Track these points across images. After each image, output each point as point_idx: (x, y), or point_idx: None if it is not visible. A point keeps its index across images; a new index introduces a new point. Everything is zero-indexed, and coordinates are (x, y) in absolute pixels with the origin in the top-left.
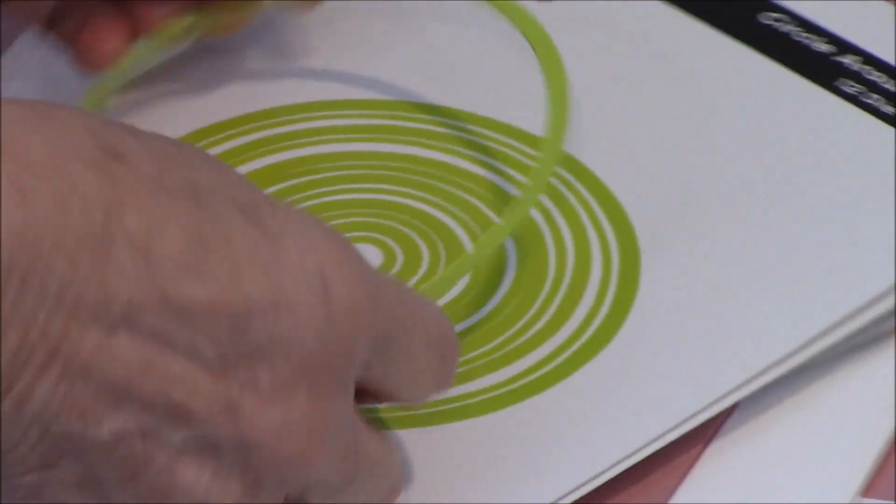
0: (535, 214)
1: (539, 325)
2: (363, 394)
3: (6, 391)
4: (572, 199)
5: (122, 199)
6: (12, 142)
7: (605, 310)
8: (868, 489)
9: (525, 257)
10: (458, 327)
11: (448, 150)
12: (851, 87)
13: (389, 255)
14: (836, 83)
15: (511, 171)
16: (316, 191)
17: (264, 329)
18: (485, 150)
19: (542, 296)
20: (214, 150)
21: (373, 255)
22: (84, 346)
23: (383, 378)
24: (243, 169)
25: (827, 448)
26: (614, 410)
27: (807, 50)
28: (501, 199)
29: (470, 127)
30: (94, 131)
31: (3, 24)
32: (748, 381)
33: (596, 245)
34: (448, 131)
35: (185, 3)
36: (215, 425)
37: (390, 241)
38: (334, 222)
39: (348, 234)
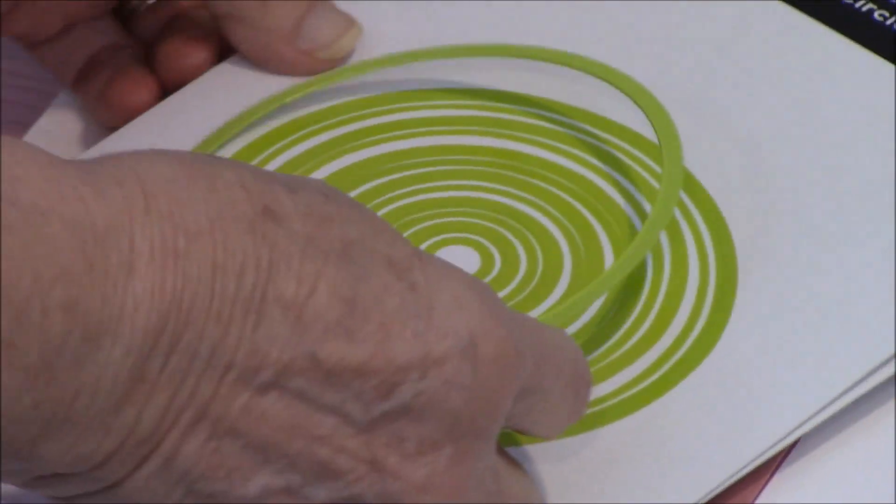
0: (636, 221)
1: (635, 339)
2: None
3: (153, 450)
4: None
5: (275, 262)
6: (170, 202)
7: (701, 322)
8: None
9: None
10: None
11: (551, 148)
12: None
13: (487, 259)
14: None
15: (615, 174)
16: (409, 188)
17: (411, 388)
18: (591, 149)
19: (639, 307)
20: (309, 143)
21: (470, 257)
22: (233, 408)
23: (521, 419)
24: (333, 165)
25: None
26: (715, 426)
27: None
28: (602, 202)
29: (576, 124)
30: (251, 189)
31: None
32: (849, 389)
33: (693, 254)
34: (552, 127)
35: (209, 53)
36: (360, 482)
37: (488, 244)
38: (429, 223)
39: (444, 236)
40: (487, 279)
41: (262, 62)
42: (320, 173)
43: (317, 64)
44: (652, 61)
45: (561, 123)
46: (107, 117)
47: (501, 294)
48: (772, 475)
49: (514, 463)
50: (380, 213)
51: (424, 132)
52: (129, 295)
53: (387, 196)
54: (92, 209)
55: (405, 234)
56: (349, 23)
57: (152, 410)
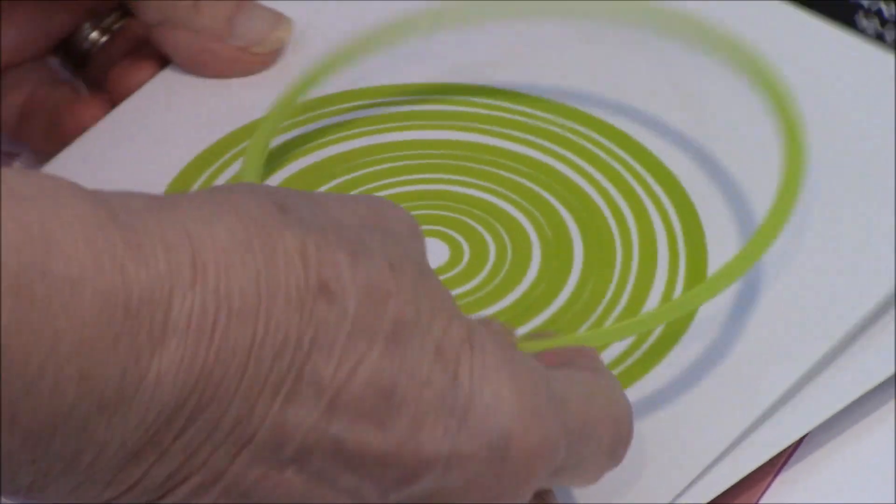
0: (606, 209)
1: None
2: None
3: (157, 500)
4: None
5: (318, 342)
6: (219, 274)
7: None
8: None
9: (590, 244)
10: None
11: (517, 140)
12: None
13: (456, 250)
14: None
15: (582, 163)
16: (380, 182)
17: (432, 482)
18: (555, 137)
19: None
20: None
21: (439, 249)
22: (247, 478)
23: (553, 484)
24: (307, 160)
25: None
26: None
27: None
28: (569, 190)
29: (540, 114)
30: (310, 261)
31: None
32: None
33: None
34: (515, 118)
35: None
36: None
37: (457, 235)
38: None
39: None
40: (456, 270)
41: (199, 65)
42: (295, 166)
43: (253, 59)
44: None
45: (524, 114)
46: (58, 144)
47: (469, 285)
48: (774, 476)
49: None
50: None
51: (395, 127)
52: (154, 368)
53: (357, 190)
54: (129, 280)
55: None
56: (279, 17)
57: (160, 470)
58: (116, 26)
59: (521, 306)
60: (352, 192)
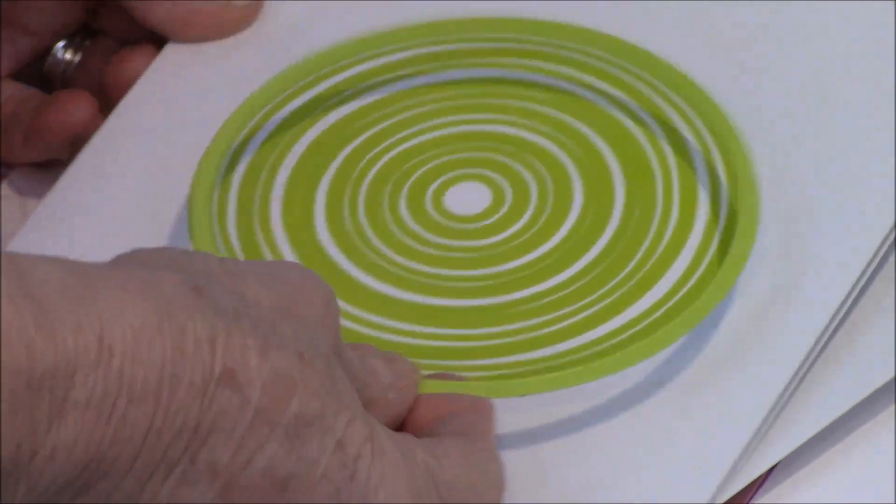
0: (644, 141)
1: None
2: None
3: None
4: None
5: (217, 429)
6: (124, 358)
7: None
8: None
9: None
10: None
11: (559, 74)
12: None
13: (497, 194)
14: None
15: (621, 95)
16: (416, 127)
17: None
18: (594, 71)
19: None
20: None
21: (480, 194)
22: None
23: None
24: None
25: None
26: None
27: None
28: (609, 124)
29: (580, 47)
30: (219, 350)
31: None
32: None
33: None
34: (553, 51)
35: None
36: None
37: (498, 177)
38: (440, 160)
39: (454, 172)
40: (500, 214)
41: (185, 30)
42: (333, 116)
43: (238, 13)
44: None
45: (563, 48)
46: (42, 149)
47: (514, 228)
48: (767, 475)
49: None
50: (386, 157)
51: (425, 69)
52: (49, 443)
53: (394, 138)
54: (35, 356)
55: (417, 175)
56: None
57: None
58: (87, 42)
59: (566, 246)
60: (373, 150)
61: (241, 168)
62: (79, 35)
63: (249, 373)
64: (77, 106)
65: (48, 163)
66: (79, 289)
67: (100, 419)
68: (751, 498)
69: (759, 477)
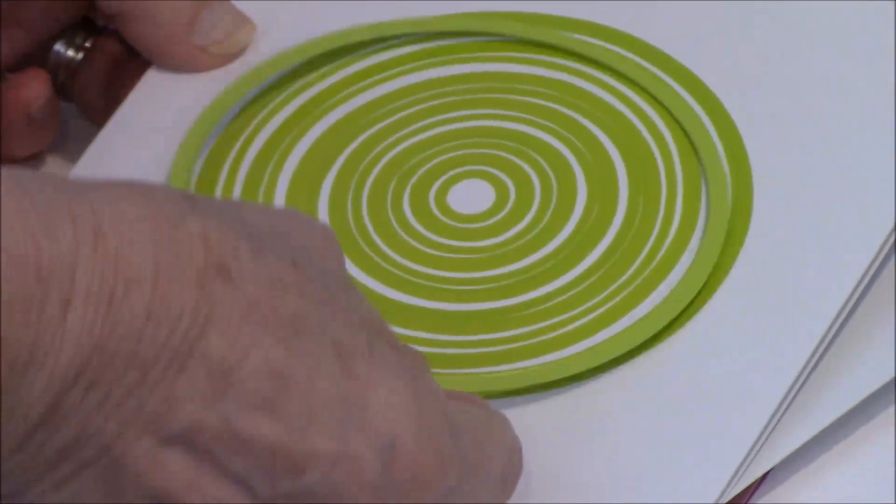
0: (646, 134)
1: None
2: None
3: (46, 474)
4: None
5: (213, 319)
6: (118, 244)
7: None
8: None
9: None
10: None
11: (560, 67)
12: None
13: (501, 192)
14: None
15: (624, 89)
16: (414, 125)
17: (319, 476)
18: (601, 66)
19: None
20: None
21: (484, 192)
22: (133, 454)
23: None
24: (357, 100)
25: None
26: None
27: None
28: (612, 117)
29: (579, 38)
30: (212, 243)
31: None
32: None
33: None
34: (564, 45)
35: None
36: None
37: (502, 176)
38: (443, 157)
39: (457, 169)
40: (503, 213)
41: (157, 59)
42: (325, 122)
43: (211, 60)
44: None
45: (552, 36)
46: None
47: (519, 227)
48: (765, 476)
49: None
50: (388, 155)
51: (420, 66)
52: (60, 332)
53: (396, 136)
54: (40, 246)
55: (420, 173)
56: (243, 19)
57: (58, 440)
58: (87, 43)
59: (572, 244)
60: (376, 148)
61: (245, 168)
62: (81, 31)
63: (242, 268)
64: (29, 85)
65: (34, 161)
66: (72, 187)
67: (100, 307)
68: (749, 498)
69: (758, 478)
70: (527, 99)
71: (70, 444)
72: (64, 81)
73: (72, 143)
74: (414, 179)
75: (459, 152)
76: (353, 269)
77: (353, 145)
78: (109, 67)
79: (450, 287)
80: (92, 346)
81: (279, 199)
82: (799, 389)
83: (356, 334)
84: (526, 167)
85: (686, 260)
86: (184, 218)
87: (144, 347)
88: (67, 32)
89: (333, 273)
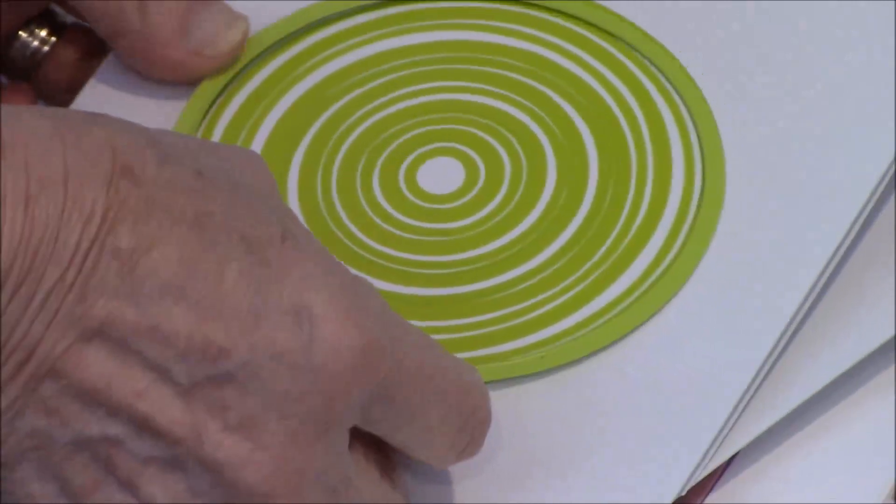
0: (618, 113)
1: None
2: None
3: None
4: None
5: (121, 217)
6: (27, 152)
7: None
8: None
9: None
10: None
11: (528, 37)
12: None
13: (471, 170)
14: None
15: (596, 64)
16: (390, 95)
17: (238, 358)
18: (570, 36)
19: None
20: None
21: (454, 170)
22: (56, 350)
23: (390, 431)
24: (328, 67)
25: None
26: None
27: None
28: (585, 95)
29: (551, 6)
30: (117, 149)
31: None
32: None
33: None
34: (526, 12)
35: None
36: (181, 444)
37: (472, 153)
38: (413, 132)
39: (427, 146)
40: (473, 193)
41: (156, 71)
42: (291, 96)
43: (206, 63)
44: None
45: (536, 7)
46: None
47: (488, 208)
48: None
49: (390, 478)
50: (358, 129)
51: (386, 34)
52: None
53: (366, 108)
54: None
55: (390, 149)
56: (234, 16)
57: None
58: (53, 37)
59: (541, 227)
60: (345, 122)
61: (218, 131)
62: (45, 25)
63: (147, 172)
64: (13, 99)
65: None
66: None
67: (17, 208)
68: (714, 483)
69: (720, 466)
70: (500, 72)
71: None
72: (28, 72)
73: None
74: (384, 157)
75: (431, 127)
76: None
77: (321, 120)
78: (76, 62)
79: (420, 271)
80: (14, 247)
81: None
82: (763, 379)
83: (268, 228)
84: (497, 145)
85: (654, 245)
86: (89, 127)
87: (60, 247)
88: (31, 24)
89: (248, 185)
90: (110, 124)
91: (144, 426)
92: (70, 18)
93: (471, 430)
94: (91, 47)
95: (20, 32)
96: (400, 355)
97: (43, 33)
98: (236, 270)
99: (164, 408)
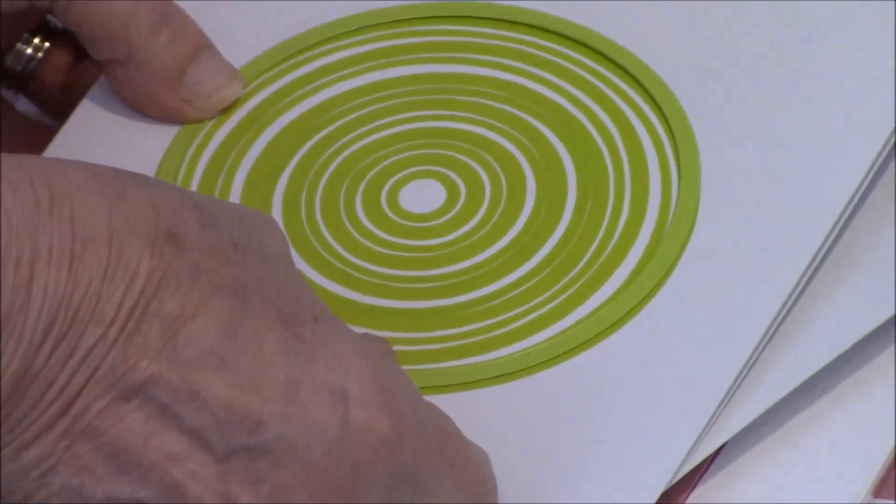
0: (594, 132)
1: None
2: None
3: (10, 439)
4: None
5: (166, 280)
6: (73, 208)
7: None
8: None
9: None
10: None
11: (510, 69)
12: None
13: (451, 191)
14: None
15: (578, 93)
16: (366, 127)
17: (274, 430)
18: (550, 66)
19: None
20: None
21: (434, 191)
22: (94, 408)
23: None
24: (312, 100)
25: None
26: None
27: None
28: (564, 122)
29: (525, 38)
30: (161, 211)
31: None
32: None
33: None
34: (503, 45)
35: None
36: None
37: (452, 175)
38: (396, 157)
39: (409, 169)
40: (453, 212)
41: (141, 105)
42: (277, 125)
43: (193, 112)
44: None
45: (510, 40)
46: None
47: (468, 226)
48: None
49: None
50: (341, 156)
51: (368, 68)
52: (28, 289)
53: (349, 137)
54: (8, 203)
55: (372, 173)
56: (232, 75)
57: (25, 402)
58: (46, 43)
59: (522, 241)
60: (329, 148)
61: (200, 169)
62: (40, 33)
63: (190, 237)
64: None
65: None
66: (23, 156)
67: (62, 265)
68: (701, 475)
69: (704, 462)
70: (477, 100)
71: (34, 404)
72: (23, 78)
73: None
74: (366, 180)
75: (411, 153)
76: (307, 269)
77: (306, 147)
78: (70, 67)
79: (402, 285)
80: (56, 305)
81: (234, 200)
82: (745, 375)
83: (300, 307)
84: (476, 167)
85: (632, 258)
86: (130, 186)
87: (103, 305)
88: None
89: (276, 258)
90: (152, 185)
91: (175, 492)
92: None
93: None
94: (83, 50)
95: (17, 44)
96: (427, 438)
97: (36, 40)
98: (274, 342)
99: (198, 475)
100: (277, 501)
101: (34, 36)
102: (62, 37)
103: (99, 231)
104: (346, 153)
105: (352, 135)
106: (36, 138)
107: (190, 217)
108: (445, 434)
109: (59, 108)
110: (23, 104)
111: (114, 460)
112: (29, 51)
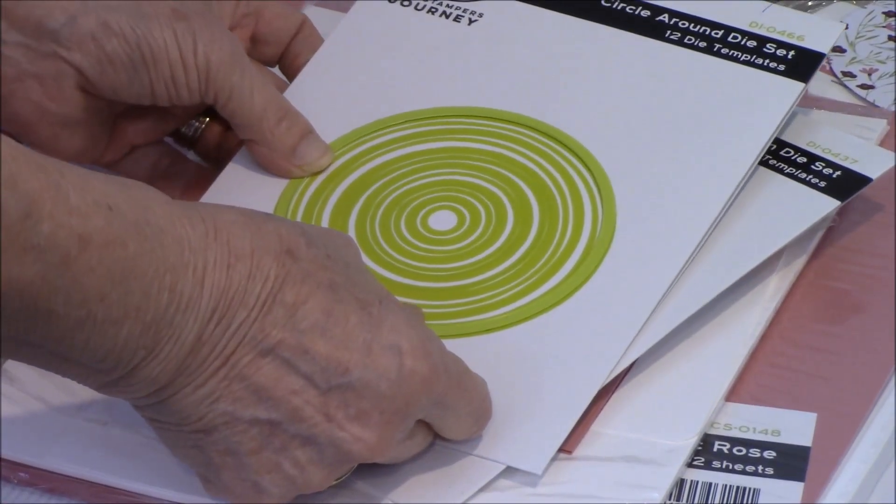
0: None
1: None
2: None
3: (192, 380)
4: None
5: (286, 280)
6: (229, 235)
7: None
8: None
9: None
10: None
11: (498, 144)
12: None
13: (461, 218)
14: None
15: (539, 159)
16: (413, 177)
17: (356, 373)
18: (518, 141)
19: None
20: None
21: (450, 217)
22: (243, 361)
23: (434, 421)
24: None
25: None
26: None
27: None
28: (528, 176)
29: (512, 127)
30: (283, 237)
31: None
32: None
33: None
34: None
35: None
36: (317, 427)
37: (461, 208)
38: (425, 196)
39: (434, 204)
40: (462, 230)
41: (265, 165)
42: (351, 178)
43: (298, 173)
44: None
45: (500, 127)
46: None
47: (470, 238)
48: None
49: (428, 436)
50: (393, 195)
51: (417, 141)
52: (202, 286)
53: (398, 184)
54: (189, 233)
55: (413, 205)
56: (325, 149)
57: (200, 359)
58: (207, 119)
59: (503, 248)
60: (384, 192)
61: (302, 207)
62: (205, 114)
63: (301, 253)
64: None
65: None
66: (197, 203)
67: (222, 270)
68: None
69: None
70: (477, 163)
71: (205, 358)
72: (192, 140)
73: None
74: (407, 210)
75: (436, 193)
76: (372, 265)
77: (369, 191)
78: (222, 136)
79: (429, 273)
80: (219, 295)
81: (325, 225)
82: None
83: (370, 294)
84: (476, 203)
85: (573, 260)
86: (262, 220)
87: (248, 296)
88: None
89: (354, 264)
90: (276, 219)
91: (296, 415)
92: None
93: (481, 422)
94: (230, 127)
95: (192, 121)
96: (451, 376)
97: (201, 117)
98: (355, 318)
99: (310, 402)
100: (360, 418)
101: (201, 115)
102: (219, 117)
103: (245, 250)
104: (394, 195)
105: (398, 183)
106: (200, 181)
107: (300, 239)
108: (461, 371)
109: (214, 161)
110: (192, 156)
111: (256, 394)
112: (196, 123)
